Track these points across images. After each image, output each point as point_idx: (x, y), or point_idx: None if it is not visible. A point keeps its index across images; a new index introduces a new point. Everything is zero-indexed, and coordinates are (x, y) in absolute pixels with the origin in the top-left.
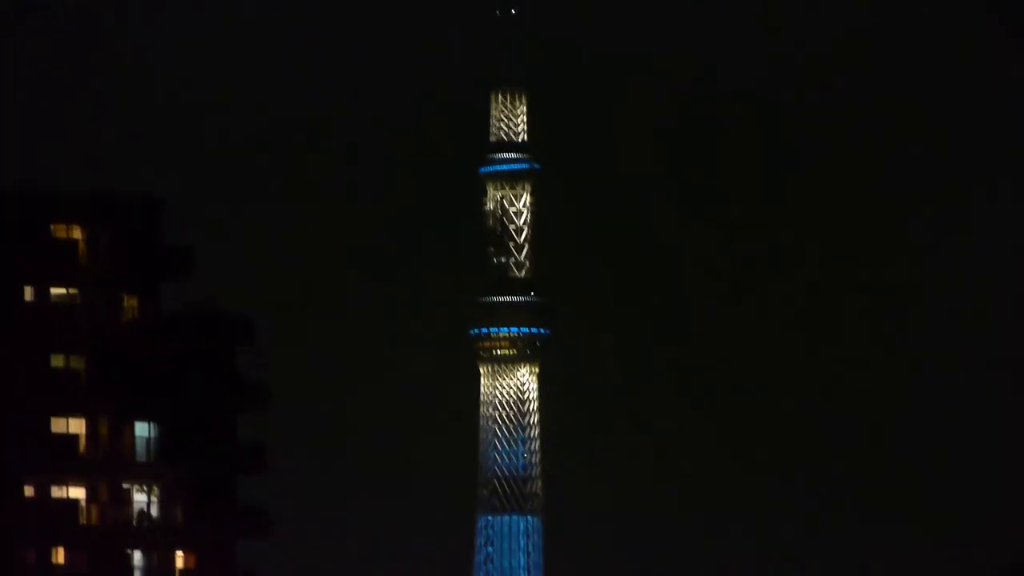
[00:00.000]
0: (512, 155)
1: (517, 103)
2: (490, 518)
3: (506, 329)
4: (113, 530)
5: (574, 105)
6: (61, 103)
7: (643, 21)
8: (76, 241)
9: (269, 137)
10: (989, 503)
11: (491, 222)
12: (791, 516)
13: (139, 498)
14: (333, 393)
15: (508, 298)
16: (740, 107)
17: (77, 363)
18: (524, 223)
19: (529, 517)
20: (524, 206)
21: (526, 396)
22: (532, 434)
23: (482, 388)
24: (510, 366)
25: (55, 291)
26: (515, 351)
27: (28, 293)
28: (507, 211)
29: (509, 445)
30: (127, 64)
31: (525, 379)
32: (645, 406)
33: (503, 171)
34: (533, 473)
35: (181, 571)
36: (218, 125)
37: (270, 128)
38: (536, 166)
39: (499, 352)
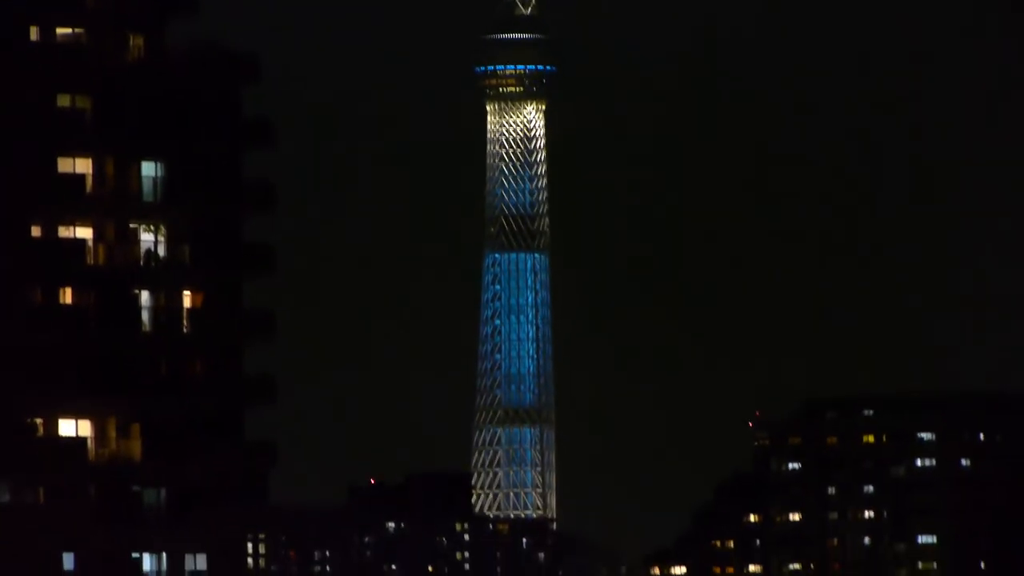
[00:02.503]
0: None
1: None
2: (497, 256)
3: (512, 66)
4: (120, 270)
5: None
6: None
7: None
8: None
9: None
10: None
11: None
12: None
13: (146, 237)
14: (338, 131)
15: (514, 35)
16: None
17: (83, 103)
18: None
19: (536, 254)
20: None
21: (533, 133)
22: (539, 171)
23: (488, 126)
24: (517, 103)
25: (60, 31)
26: (522, 88)
27: (33, 33)
28: None
29: (516, 183)
30: None
31: (532, 116)
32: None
33: None
34: (540, 211)
35: (188, 310)
36: None
37: None
38: None
39: (506, 90)
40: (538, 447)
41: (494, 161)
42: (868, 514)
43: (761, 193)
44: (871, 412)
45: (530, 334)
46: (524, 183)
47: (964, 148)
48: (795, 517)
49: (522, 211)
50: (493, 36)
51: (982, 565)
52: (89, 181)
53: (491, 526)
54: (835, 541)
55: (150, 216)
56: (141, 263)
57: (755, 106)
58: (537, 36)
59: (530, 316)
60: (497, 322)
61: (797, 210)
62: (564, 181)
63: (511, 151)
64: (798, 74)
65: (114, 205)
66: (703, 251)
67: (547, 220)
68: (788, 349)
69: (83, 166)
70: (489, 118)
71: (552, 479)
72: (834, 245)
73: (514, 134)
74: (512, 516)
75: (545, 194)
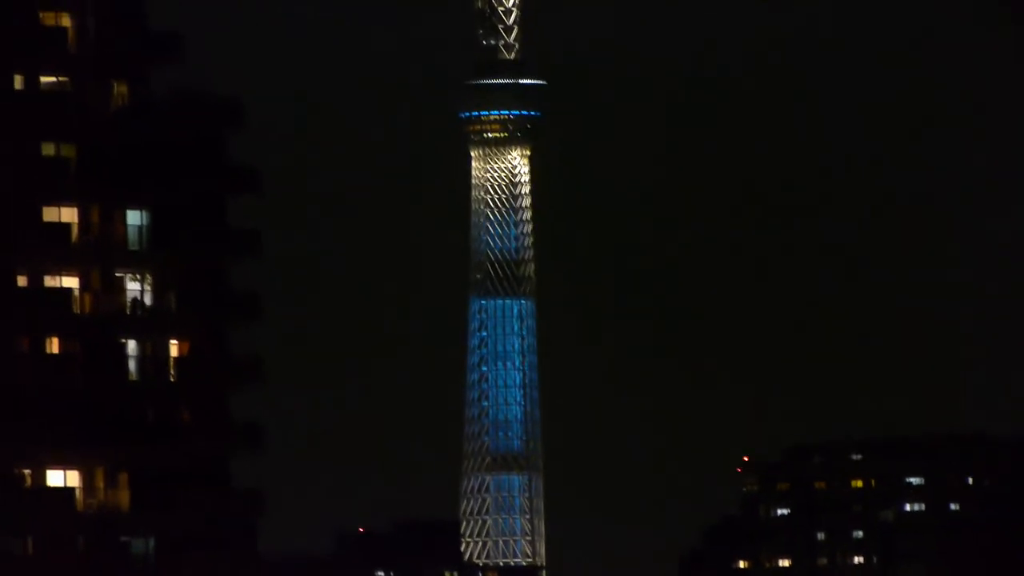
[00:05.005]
0: None
1: None
2: (483, 302)
3: (496, 112)
4: (107, 318)
5: None
6: None
7: None
8: (65, 28)
9: None
10: None
11: (480, 3)
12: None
13: (132, 286)
14: (325, 175)
15: (498, 80)
16: None
17: (68, 151)
18: (513, 4)
19: (523, 300)
20: None
21: (518, 179)
22: (524, 217)
23: (473, 171)
24: (501, 149)
25: (44, 79)
26: (506, 134)
27: (17, 82)
28: None
29: (501, 228)
30: None
31: (516, 162)
32: (640, 188)
33: None
34: (526, 256)
35: (175, 358)
36: None
37: None
38: None
39: (490, 135)
40: (526, 494)
41: (479, 207)
42: (857, 559)
43: (750, 236)
44: (859, 456)
45: (517, 380)
46: (510, 229)
47: (970, 196)
48: (784, 563)
49: (508, 257)
50: (477, 81)
51: None
52: (74, 230)
53: (480, 574)
54: None
55: (136, 264)
56: (127, 311)
57: (747, 148)
58: (521, 81)
59: (517, 362)
60: (484, 368)
61: (788, 258)
62: (550, 226)
63: (496, 197)
64: (791, 121)
65: (100, 253)
66: (691, 296)
67: (533, 266)
68: (777, 391)
69: (68, 215)
70: (474, 163)
71: (541, 526)
72: (824, 291)
73: (499, 179)
74: (501, 564)
75: (531, 240)
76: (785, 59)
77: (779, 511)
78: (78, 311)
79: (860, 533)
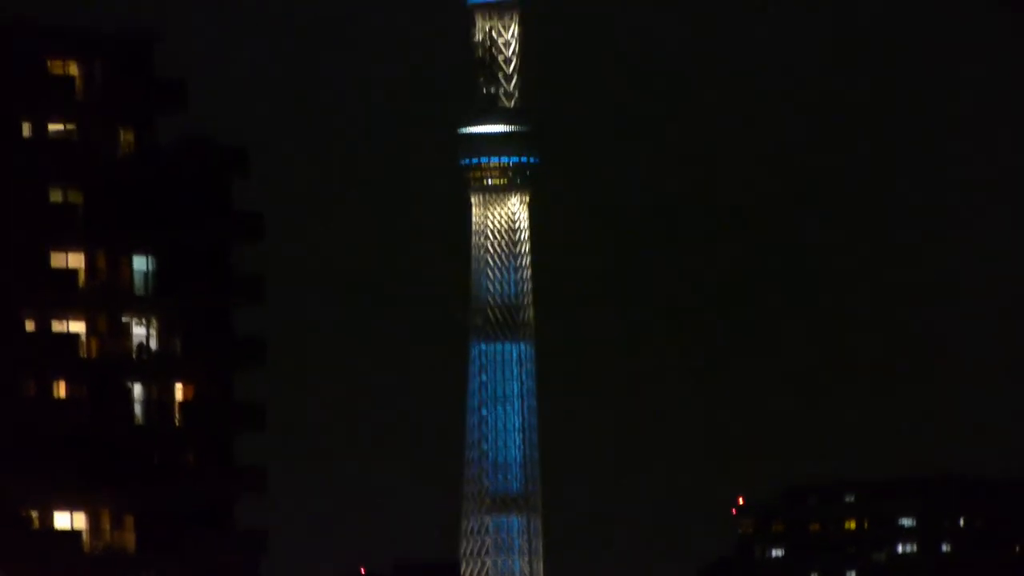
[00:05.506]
0: None
1: None
2: (483, 346)
3: (496, 158)
4: (113, 362)
5: None
6: None
7: None
8: (72, 77)
9: None
10: None
11: (480, 52)
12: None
13: (138, 331)
14: (325, 225)
15: (498, 128)
16: None
17: (75, 197)
18: (512, 53)
19: (522, 344)
20: (512, 36)
21: (517, 225)
22: (523, 263)
23: (473, 218)
24: (501, 195)
25: (52, 127)
26: (505, 180)
27: (26, 129)
28: (495, 42)
29: (501, 274)
30: None
31: (516, 208)
32: (633, 236)
33: (491, 2)
34: (525, 301)
35: (180, 402)
36: None
37: None
38: None
39: (490, 182)
40: (525, 535)
41: (479, 252)
42: None
43: (747, 275)
44: (852, 498)
45: (516, 423)
46: (509, 274)
47: (958, 261)
48: None
49: (507, 302)
50: (477, 129)
51: None
52: (81, 275)
53: None
54: None
55: (142, 309)
56: (133, 356)
57: (746, 189)
58: (520, 128)
59: (516, 405)
60: (484, 411)
61: (787, 294)
62: (548, 271)
63: (495, 242)
64: (789, 169)
65: (106, 298)
66: (688, 338)
67: (532, 311)
68: (774, 431)
69: (75, 260)
70: (474, 210)
71: (540, 567)
72: (820, 331)
73: (498, 225)
74: None
75: (530, 285)
76: (778, 123)
77: (774, 552)
78: (85, 355)
79: (853, 573)
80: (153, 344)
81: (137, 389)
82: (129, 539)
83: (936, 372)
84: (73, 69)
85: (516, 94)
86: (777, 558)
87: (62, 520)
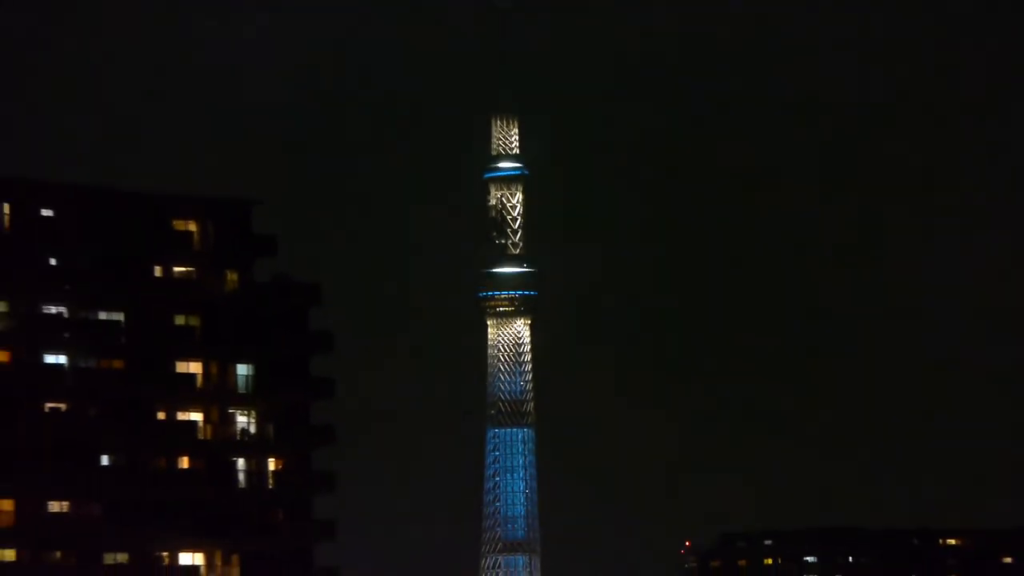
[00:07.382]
0: (508, 164)
1: (511, 125)
2: (496, 431)
3: (506, 292)
4: (223, 443)
5: (557, 129)
6: (182, 117)
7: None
8: (191, 232)
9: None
10: None
11: (493, 213)
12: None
13: (241, 419)
14: (379, 343)
15: (507, 269)
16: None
17: (194, 321)
18: (518, 214)
19: (525, 429)
20: (518, 201)
21: (521, 341)
22: (526, 368)
23: (488, 335)
24: (509, 319)
25: (176, 269)
26: (513, 308)
27: (157, 271)
28: (505, 205)
29: (509, 376)
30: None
31: (520, 329)
32: (613, 356)
33: (502, 176)
34: (527, 397)
35: (272, 472)
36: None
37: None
38: (526, 172)
39: (501, 309)
40: (528, 570)
41: (493, 361)
42: None
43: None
44: (771, 542)
45: (520, 487)
46: (516, 377)
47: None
48: None
49: (514, 397)
50: (491, 270)
51: None
52: (199, 378)
53: None
54: None
55: (244, 404)
56: (238, 438)
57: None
58: (524, 269)
59: (521, 474)
60: (497, 479)
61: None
62: (547, 375)
63: (505, 353)
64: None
65: (217, 396)
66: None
67: (533, 404)
68: (713, 490)
69: (195, 367)
70: (489, 330)
71: None
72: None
73: (507, 341)
74: None
75: (531, 385)
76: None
77: None
78: (202, 437)
79: None
80: (252, 429)
81: (240, 463)
82: (235, 574)
83: (837, 436)
84: (192, 226)
85: (520, 244)
86: None
87: (185, 559)
